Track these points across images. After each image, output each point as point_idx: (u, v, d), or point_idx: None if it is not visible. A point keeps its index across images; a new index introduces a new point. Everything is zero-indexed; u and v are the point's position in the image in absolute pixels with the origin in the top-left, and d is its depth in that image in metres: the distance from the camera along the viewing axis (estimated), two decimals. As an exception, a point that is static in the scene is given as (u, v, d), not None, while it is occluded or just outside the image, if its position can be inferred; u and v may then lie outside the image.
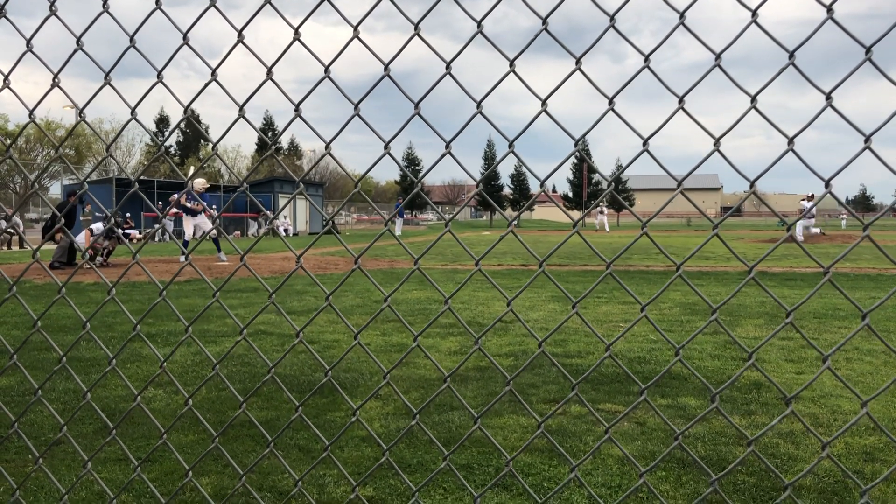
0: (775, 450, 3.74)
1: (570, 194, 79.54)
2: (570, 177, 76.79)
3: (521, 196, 75.89)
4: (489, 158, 72.15)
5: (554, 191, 74.74)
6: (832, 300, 8.94)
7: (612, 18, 1.41)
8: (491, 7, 1.49)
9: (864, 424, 4.09)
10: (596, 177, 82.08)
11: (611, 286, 10.72)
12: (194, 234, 16.53)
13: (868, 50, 1.25)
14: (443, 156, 1.57)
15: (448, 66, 1.49)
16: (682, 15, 1.36)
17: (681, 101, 1.38)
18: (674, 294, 9.84)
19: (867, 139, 1.25)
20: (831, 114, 1.33)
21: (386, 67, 1.49)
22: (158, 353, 6.14)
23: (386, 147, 1.55)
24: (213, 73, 1.56)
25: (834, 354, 5.83)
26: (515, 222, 1.54)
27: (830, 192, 1.34)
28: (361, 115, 1.55)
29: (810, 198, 27.07)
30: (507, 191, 76.63)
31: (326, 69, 1.52)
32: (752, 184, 1.36)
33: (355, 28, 1.49)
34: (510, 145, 1.51)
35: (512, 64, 1.45)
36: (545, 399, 4.70)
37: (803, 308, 8.55)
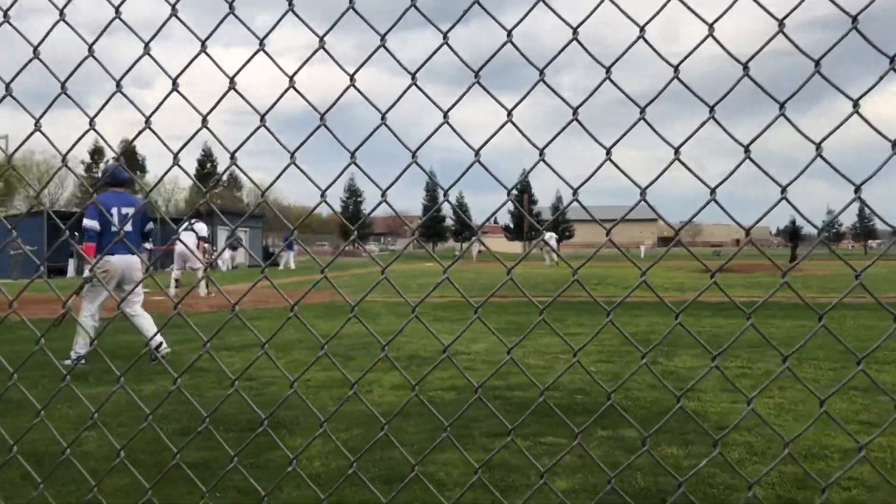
0: (712, 480, 3.81)
1: (512, 225, 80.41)
2: (511, 208, 77.64)
3: (464, 227, 76.08)
4: (430, 189, 71.76)
5: (495, 223, 75.41)
6: (766, 329, 9.22)
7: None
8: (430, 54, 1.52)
9: (797, 452, 4.21)
10: (536, 208, 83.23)
11: (552, 317, 10.83)
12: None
13: (782, 106, 1.32)
14: (379, 203, 1.61)
15: (384, 118, 1.51)
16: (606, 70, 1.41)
17: (607, 151, 1.43)
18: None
19: (784, 189, 1.32)
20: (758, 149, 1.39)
21: (322, 117, 1.52)
22: (93, 392, 5.87)
23: (323, 195, 1.57)
24: (147, 120, 1.56)
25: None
26: (458, 253, 1.57)
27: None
28: (298, 164, 1.57)
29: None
30: (448, 222, 76.99)
31: (262, 118, 1.53)
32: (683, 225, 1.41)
33: (291, 78, 1.51)
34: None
35: (446, 116, 1.48)
36: (488, 433, 4.71)
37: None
